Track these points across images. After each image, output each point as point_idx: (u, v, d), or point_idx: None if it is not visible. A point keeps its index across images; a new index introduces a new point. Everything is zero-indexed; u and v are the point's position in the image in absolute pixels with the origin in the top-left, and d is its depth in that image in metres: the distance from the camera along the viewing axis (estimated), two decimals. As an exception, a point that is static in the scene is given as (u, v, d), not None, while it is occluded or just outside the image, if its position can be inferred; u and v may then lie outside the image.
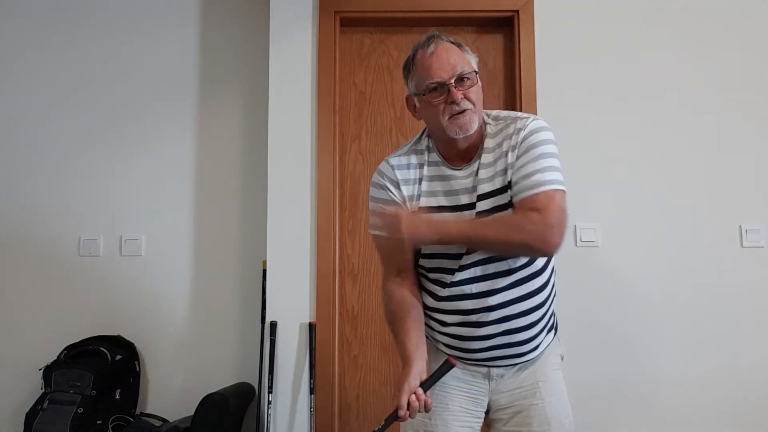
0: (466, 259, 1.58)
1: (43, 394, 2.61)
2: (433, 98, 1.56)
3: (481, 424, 1.69)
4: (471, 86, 1.56)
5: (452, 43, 1.60)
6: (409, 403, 1.45)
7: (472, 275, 1.58)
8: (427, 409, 1.47)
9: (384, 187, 1.66)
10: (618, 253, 2.75)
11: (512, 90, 2.89)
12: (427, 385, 1.49)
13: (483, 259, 1.57)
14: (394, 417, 1.46)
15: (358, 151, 2.93)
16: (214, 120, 2.99)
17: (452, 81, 1.54)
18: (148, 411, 2.79)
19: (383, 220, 1.56)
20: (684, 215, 2.76)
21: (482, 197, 1.58)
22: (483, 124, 1.63)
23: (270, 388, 2.62)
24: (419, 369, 1.51)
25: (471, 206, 1.59)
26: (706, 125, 2.82)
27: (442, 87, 1.54)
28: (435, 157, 1.66)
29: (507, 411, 1.66)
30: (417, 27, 2.87)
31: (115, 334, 2.82)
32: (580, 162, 2.73)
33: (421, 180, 1.64)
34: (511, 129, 1.59)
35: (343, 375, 2.78)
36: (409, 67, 1.63)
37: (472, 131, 1.57)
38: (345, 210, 2.87)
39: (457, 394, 1.66)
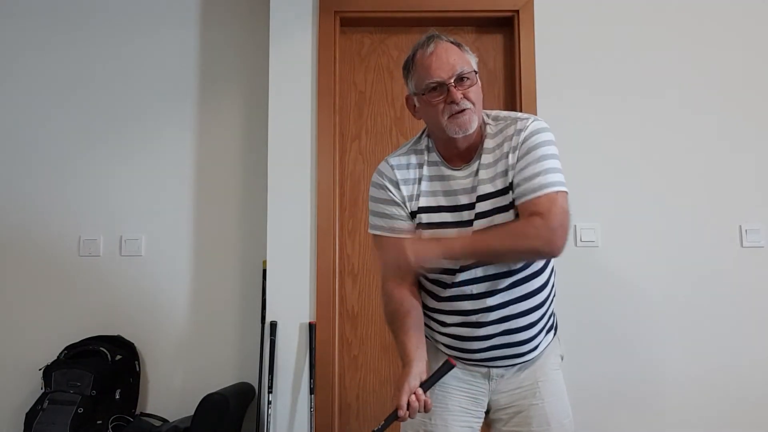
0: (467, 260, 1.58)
1: (43, 394, 2.61)
2: (433, 98, 1.56)
3: (481, 424, 1.69)
4: (470, 86, 1.56)
5: (452, 43, 1.60)
6: (408, 404, 1.45)
7: (473, 276, 1.58)
8: (426, 409, 1.48)
9: (383, 187, 1.66)
10: (618, 253, 2.75)
11: (512, 90, 2.89)
12: (427, 385, 1.49)
13: (483, 261, 1.57)
14: (394, 417, 1.46)
15: (358, 151, 2.93)
16: (214, 120, 2.99)
17: (452, 81, 1.54)
18: (148, 411, 2.79)
19: (389, 253, 1.53)
20: (684, 215, 2.76)
21: (482, 198, 1.58)
22: (483, 125, 1.63)
23: (270, 388, 2.62)
24: (419, 369, 1.51)
25: (470, 206, 1.59)
26: (706, 125, 2.82)
27: (442, 87, 1.54)
28: (435, 157, 1.66)
29: (507, 411, 1.66)
30: (417, 27, 2.87)
31: (115, 334, 2.82)
32: (580, 162, 2.73)
33: (420, 180, 1.64)
34: (511, 130, 1.59)
35: (343, 375, 2.78)
36: (408, 67, 1.63)
37: (471, 131, 1.57)
38: (345, 210, 2.87)
39: (457, 394, 1.66)
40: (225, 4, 3.05)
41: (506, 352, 1.62)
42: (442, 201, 1.62)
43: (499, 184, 1.57)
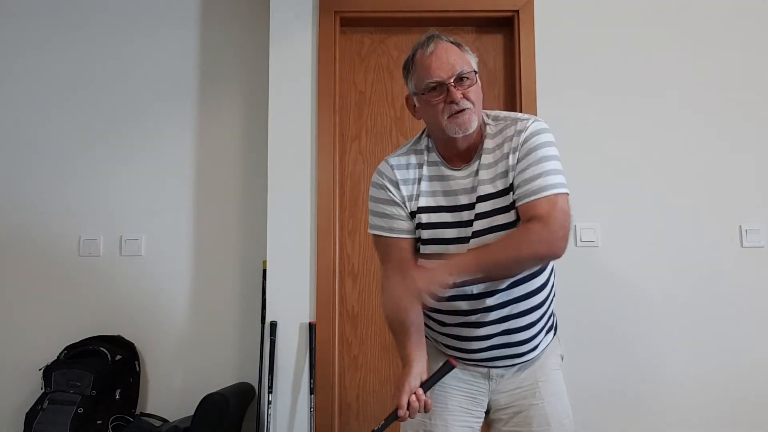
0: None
1: (43, 394, 2.61)
2: (433, 98, 1.56)
3: (480, 424, 1.69)
4: (470, 86, 1.56)
5: (452, 42, 1.60)
6: (409, 403, 1.45)
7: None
8: (426, 409, 1.48)
9: (383, 187, 1.66)
10: (618, 253, 2.75)
11: (512, 90, 2.89)
12: (427, 385, 1.49)
13: None
14: (394, 417, 1.46)
15: (358, 151, 2.93)
16: (214, 120, 2.99)
17: (451, 80, 1.54)
18: (148, 411, 2.79)
19: (401, 290, 1.50)
20: (684, 215, 2.76)
21: (482, 199, 1.58)
22: (483, 125, 1.63)
23: (270, 388, 2.62)
24: (419, 369, 1.51)
25: (470, 206, 1.59)
26: (706, 125, 2.82)
27: (442, 86, 1.54)
28: (434, 157, 1.66)
29: (507, 411, 1.66)
30: (417, 27, 2.87)
31: (115, 334, 2.82)
32: (580, 162, 2.73)
33: (420, 180, 1.64)
34: (511, 130, 1.59)
35: (343, 375, 2.78)
36: (408, 67, 1.63)
37: (471, 130, 1.57)
38: (345, 210, 2.87)
39: (456, 394, 1.66)
40: (225, 4, 3.05)
41: (506, 352, 1.62)
42: (442, 201, 1.62)
43: (500, 185, 1.57)
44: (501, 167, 1.57)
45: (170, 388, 2.83)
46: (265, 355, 2.66)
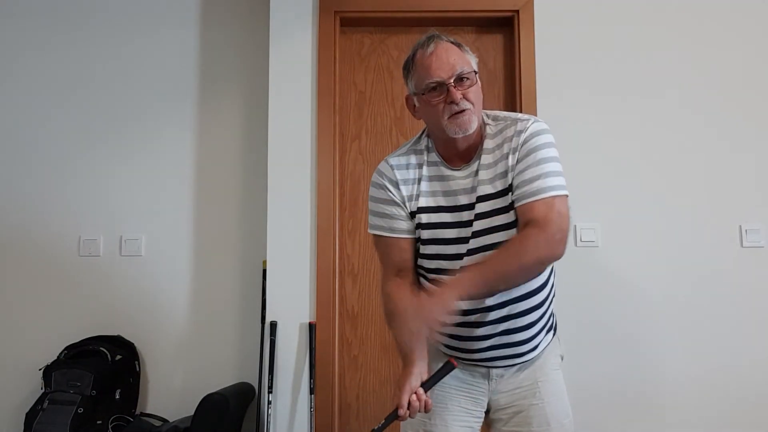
0: (467, 261, 1.58)
1: (43, 394, 2.61)
2: (433, 98, 1.56)
3: (480, 424, 1.69)
4: (470, 86, 1.56)
5: (452, 43, 1.60)
6: (409, 403, 1.45)
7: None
8: (427, 409, 1.48)
9: (383, 187, 1.66)
10: (618, 253, 2.75)
11: (512, 90, 2.89)
12: (427, 385, 1.49)
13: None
14: (394, 416, 1.46)
15: (358, 151, 2.93)
16: (214, 120, 2.99)
17: (451, 81, 1.54)
18: (148, 411, 2.79)
19: (415, 324, 1.46)
20: (684, 215, 2.76)
21: (482, 199, 1.58)
22: (482, 125, 1.63)
23: (270, 388, 2.62)
24: (420, 369, 1.51)
25: (470, 207, 1.59)
26: (706, 125, 2.82)
27: (442, 87, 1.54)
28: (434, 157, 1.66)
29: (507, 411, 1.66)
30: (417, 27, 2.87)
31: (115, 334, 2.82)
32: (580, 162, 2.73)
33: (420, 180, 1.64)
34: (511, 131, 1.59)
35: (343, 375, 2.78)
36: (408, 67, 1.63)
37: (471, 131, 1.57)
38: (345, 210, 2.87)
39: (456, 394, 1.66)
40: (225, 4, 3.05)
41: (506, 352, 1.62)
42: (442, 201, 1.62)
43: (499, 186, 1.57)
44: (500, 167, 1.57)
45: (170, 388, 2.83)
46: (265, 355, 2.66)
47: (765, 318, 2.71)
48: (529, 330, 1.61)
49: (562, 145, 1.64)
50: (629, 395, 2.68)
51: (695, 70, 2.85)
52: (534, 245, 1.47)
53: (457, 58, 1.56)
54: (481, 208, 1.57)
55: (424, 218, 1.62)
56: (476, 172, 1.60)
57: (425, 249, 1.64)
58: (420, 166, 1.66)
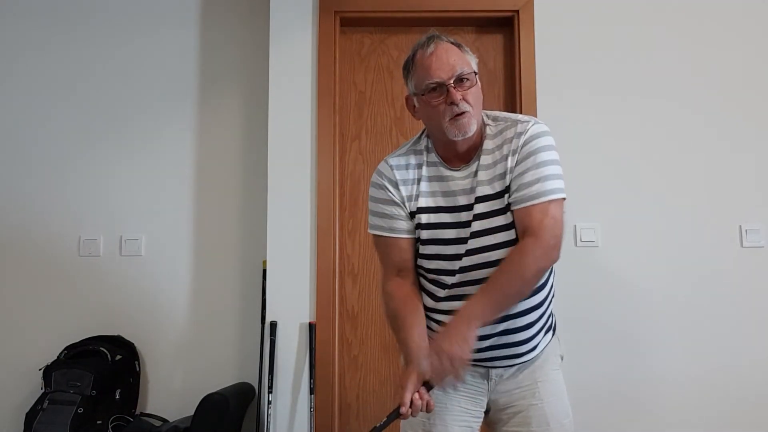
0: (466, 261, 1.58)
1: (43, 394, 2.61)
2: (432, 98, 1.56)
3: (480, 424, 1.69)
4: (470, 87, 1.56)
5: (452, 43, 1.60)
6: (411, 402, 1.45)
7: (471, 278, 1.58)
8: (429, 409, 1.47)
9: (383, 187, 1.66)
10: (618, 253, 2.75)
11: (512, 90, 2.89)
12: (430, 384, 1.49)
13: (483, 263, 1.57)
14: (396, 414, 1.46)
15: (358, 151, 2.93)
16: (214, 120, 2.99)
17: (451, 81, 1.54)
18: (148, 411, 2.79)
19: (445, 372, 1.46)
20: (684, 215, 2.76)
21: (480, 200, 1.58)
22: (482, 125, 1.63)
23: (270, 388, 2.62)
24: (423, 368, 1.51)
25: (469, 207, 1.59)
26: (706, 125, 2.82)
27: (441, 87, 1.54)
28: (434, 157, 1.66)
29: (506, 411, 1.66)
30: (417, 27, 2.87)
31: (115, 334, 2.82)
32: (580, 162, 2.73)
33: (419, 180, 1.64)
34: (511, 132, 1.59)
35: (343, 375, 2.78)
36: (408, 67, 1.62)
37: (470, 133, 1.57)
38: (345, 210, 2.87)
39: (456, 394, 1.65)
40: (225, 4, 3.05)
41: (505, 352, 1.62)
42: (441, 202, 1.62)
43: (498, 187, 1.57)
44: (499, 169, 1.58)
45: (170, 388, 2.83)
46: (265, 355, 2.66)
47: (765, 318, 2.71)
48: (529, 330, 1.61)
49: (562, 145, 1.65)
50: (629, 395, 2.67)
51: (695, 70, 2.85)
52: (533, 258, 1.50)
53: (457, 59, 1.56)
54: (480, 208, 1.58)
55: (424, 218, 1.63)
56: (475, 173, 1.60)
57: (424, 249, 1.64)
58: (419, 166, 1.66)
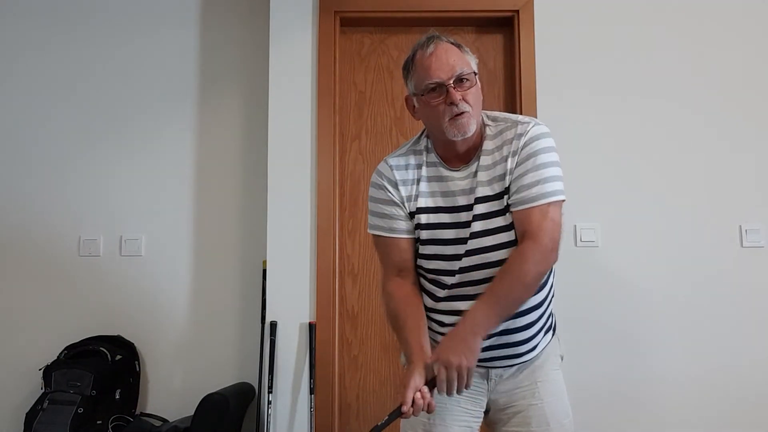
0: (466, 262, 1.58)
1: (43, 394, 2.61)
2: (432, 99, 1.56)
3: (479, 424, 1.69)
4: (470, 87, 1.56)
5: (452, 43, 1.60)
6: (413, 401, 1.45)
7: (471, 279, 1.59)
8: (430, 410, 1.47)
9: (382, 187, 1.66)
10: (618, 253, 2.75)
11: (512, 90, 2.89)
12: (432, 384, 1.49)
13: (482, 263, 1.57)
14: (398, 413, 1.46)
15: (358, 151, 2.93)
16: (214, 120, 2.99)
17: (451, 82, 1.54)
18: (148, 411, 2.79)
19: (453, 383, 1.47)
20: (684, 215, 2.76)
21: (480, 200, 1.58)
22: (482, 126, 1.63)
23: (270, 388, 2.62)
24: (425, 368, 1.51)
25: (468, 208, 1.59)
26: (706, 125, 2.82)
27: (441, 87, 1.54)
28: (433, 157, 1.66)
29: (506, 411, 1.66)
30: (417, 27, 2.87)
31: (115, 334, 2.82)
32: (580, 162, 2.73)
33: (419, 180, 1.64)
34: (511, 133, 1.59)
35: (343, 375, 2.78)
36: (408, 67, 1.62)
37: (470, 134, 1.57)
38: (345, 210, 2.87)
39: (455, 394, 1.66)
40: (225, 4, 3.05)
41: (505, 352, 1.62)
42: (441, 202, 1.62)
43: (497, 188, 1.57)
44: (499, 170, 1.58)
45: (170, 388, 2.83)
46: (265, 355, 2.66)
47: (765, 318, 2.71)
48: (528, 330, 1.61)
49: (562, 145, 1.65)
50: (629, 395, 2.67)
51: (695, 70, 2.85)
52: (533, 263, 1.50)
53: (456, 59, 1.56)
54: (480, 209, 1.58)
55: (423, 219, 1.63)
56: (475, 173, 1.60)
57: (424, 249, 1.64)
58: (419, 166, 1.66)
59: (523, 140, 1.56)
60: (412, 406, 1.45)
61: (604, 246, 2.75)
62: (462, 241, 1.59)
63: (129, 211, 2.93)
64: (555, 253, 1.54)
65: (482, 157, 1.60)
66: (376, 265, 2.74)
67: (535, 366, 1.67)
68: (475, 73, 1.59)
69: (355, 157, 2.92)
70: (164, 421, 2.69)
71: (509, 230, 1.56)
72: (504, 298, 1.51)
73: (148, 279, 2.89)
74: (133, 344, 2.81)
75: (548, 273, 1.66)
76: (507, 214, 1.56)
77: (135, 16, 3.05)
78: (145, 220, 2.93)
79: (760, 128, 2.82)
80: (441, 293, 1.63)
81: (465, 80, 1.55)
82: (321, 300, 2.71)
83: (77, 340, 2.77)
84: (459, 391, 1.48)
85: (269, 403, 2.60)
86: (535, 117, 2.41)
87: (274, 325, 2.68)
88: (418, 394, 1.46)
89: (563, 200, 1.56)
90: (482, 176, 1.59)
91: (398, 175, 1.65)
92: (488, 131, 1.62)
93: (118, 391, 2.70)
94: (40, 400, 2.59)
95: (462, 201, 1.60)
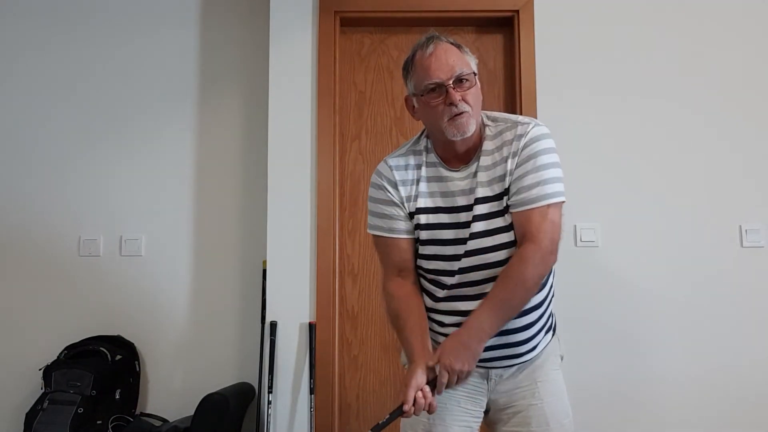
0: (465, 262, 1.58)
1: (43, 394, 2.61)
2: (432, 99, 1.56)
3: (479, 424, 1.69)
4: (469, 88, 1.56)
5: (452, 44, 1.60)
6: (415, 400, 1.45)
7: (470, 279, 1.59)
8: (431, 410, 1.48)
9: (382, 188, 1.66)
10: (618, 253, 2.75)
11: (512, 90, 2.89)
12: (433, 384, 1.49)
13: (482, 264, 1.57)
14: (399, 412, 1.46)
15: (358, 151, 2.93)
16: (214, 120, 2.99)
17: (450, 82, 1.54)
18: (148, 411, 2.79)
19: (455, 385, 1.51)
20: (684, 215, 2.76)
21: (480, 201, 1.58)
22: (482, 126, 1.63)
23: (270, 388, 2.62)
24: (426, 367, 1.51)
25: (468, 208, 1.59)
26: (706, 125, 2.82)
27: (441, 88, 1.54)
28: (433, 158, 1.66)
29: (506, 411, 1.66)
30: (417, 27, 2.87)
31: (115, 334, 2.82)
32: (580, 162, 2.73)
33: (419, 181, 1.64)
34: (511, 134, 1.59)
35: (343, 375, 2.78)
36: (408, 68, 1.63)
37: (469, 134, 1.57)
38: (345, 210, 2.87)
39: (455, 394, 1.65)
40: (225, 4, 3.05)
41: (504, 352, 1.62)
42: (440, 202, 1.62)
43: (497, 189, 1.57)
44: (499, 170, 1.58)
45: (170, 388, 2.83)
46: (265, 355, 2.66)
47: (765, 318, 2.71)
48: (528, 330, 1.61)
49: (562, 145, 1.65)
50: (629, 395, 2.67)
51: (695, 70, 2.85)
52: (533, 266, 1.51)
53: (456, 60, 1.56)
54: (479, 210, 1.58)
55: (423, 219, 1.63)
56: (475, 174, 1.60)
57: (423, 249, 1.64)
58: (419, 166, 1.66)
59: (523, 141, 1.56)
60: (414, 405, 1.45)
61: (604, 246, 2.75)
62: (461, 241, 1.59)
63: (129, 211, 2.93)
64: (554, 255, 1.55)
65: (482, 158, 1.60)
66: (376, 265, 2.75)
67: (535, 366, 1.67)
68: (475, 74, 1.59)
69: (355, 157, 2.92)
70: (164, 421, 2.69)
71: (509, 231, 1.56)
72: (507, 302, 1.52)
73: (148, 279, 2.89)
74: (133, 344, 2.81)
75: (549, 273, 1.66)
76: (507, 215, 1.56)
77: (135, 16, 3.05)
78: (145, 220, 2.93)
79: (760, 128, 2.82)
80: (441, 293, 1.63)
81: (464, 80, 1.55)
82: (321, 300, 2.71)
83: (77, 340, 2.77)
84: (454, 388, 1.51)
85: (269, 403, 2.60)
86: (535, 117, 2.41)
87: (274, 325, 2.68)
88: (420, 394, 1.46)
89: (563, 201, 1.56)
90: (482, 177, 1.59)
91: (398, 176, 1.65)
92: (488, 132, 1.62)
93: (118, 391, 2.70)
94: (40, 400, 2.59)
95: (462, 201, 1.60)
